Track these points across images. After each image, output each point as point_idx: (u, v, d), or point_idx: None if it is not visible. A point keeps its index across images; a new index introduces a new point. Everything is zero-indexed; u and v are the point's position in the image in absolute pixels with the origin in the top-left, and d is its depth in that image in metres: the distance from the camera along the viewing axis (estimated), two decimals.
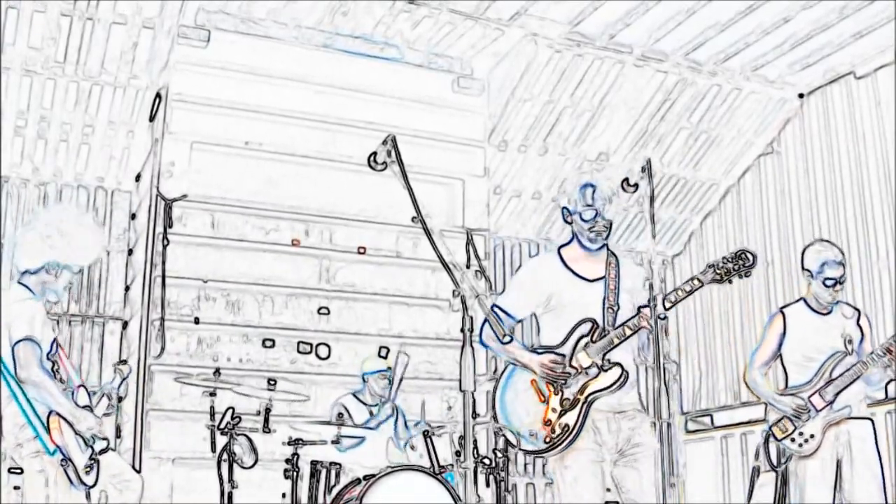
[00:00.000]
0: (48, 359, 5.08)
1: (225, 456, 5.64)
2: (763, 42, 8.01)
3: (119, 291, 8.19)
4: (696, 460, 9.31)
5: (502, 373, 4.56)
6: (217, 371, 5.93)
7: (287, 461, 5.77)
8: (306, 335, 7.52)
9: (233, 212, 7.43)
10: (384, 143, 4.01)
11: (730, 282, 4.37)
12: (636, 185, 4.37)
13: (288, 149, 7.61)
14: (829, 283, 5.42)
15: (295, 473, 5.75)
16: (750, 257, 4.36)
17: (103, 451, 5.15)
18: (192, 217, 7.32)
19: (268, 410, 5.77)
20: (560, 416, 4.38)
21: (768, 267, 8.99)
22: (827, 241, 5.97)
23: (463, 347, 3.84)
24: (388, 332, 7.72)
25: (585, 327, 4.44)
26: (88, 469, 5.02)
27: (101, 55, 7.42)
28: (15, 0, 6.91)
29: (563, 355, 4.42)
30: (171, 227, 7.23)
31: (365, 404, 6.95)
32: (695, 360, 9.65)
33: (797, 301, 5.63)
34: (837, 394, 5.31)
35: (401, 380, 6.59)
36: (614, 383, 4.39)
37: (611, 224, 4.55)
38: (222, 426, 5.66)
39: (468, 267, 7.90)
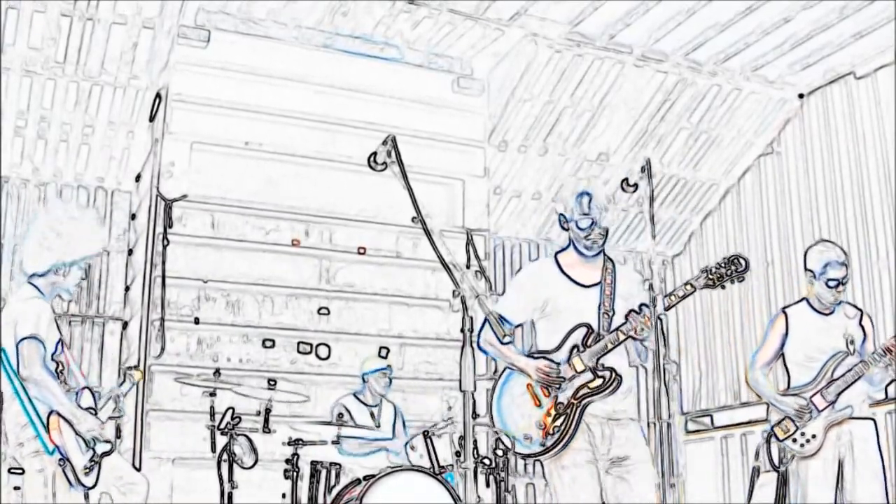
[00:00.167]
0: (53, 359, 5.09)
1: (225, 456, 5.64)
2: (763, 42, 8.01)
3: (119, 292, 8.19)
4: (696, 460, 9.31)
5: (498, 377, 4.63)
6: (217, 371, 5.93)
7: (287, 461, 5.77)
8: (306, 335, 7.51)
9: (233, 212, 7.43)
10: (384, 143, 4.01)
11: (722, 287, 4.43)
12: (636, 186, 4.43)
13: (288, 149, 7.60)
14: (831, 283, 5.42)
15: (295, 474, 5.75)
16: (742, 262, 4.41)
17: (107, 454, 5.15)
18: (192, 217, 7.32)
19: (268, 411, 5.77)
20: (554, 419, 4.45)
21: (768, 267, 8.99)
22: (830, 241, 5.97)
23: (463, 348, 3.84)
24: (388, 333, 7.72)
25: (580, 332, 4.50)
26: (88, 470, 5.01)
27: (101, 55, 7.42)
28: (15, 0, 6.91)
29: (557, 361, 4.49)
30: (171, 227, 7.23)
31: (366, 405, 6.95)
32: (695, 361, 9.65)
33: (799, 301, 5.63)
34: (839, 394, 5.31)
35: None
36: (608, 387, 4.45)
37: (607, 231, 4.61)
38: (222, 426, 5.66)
39: (468, 267, 7.90)
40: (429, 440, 5.95)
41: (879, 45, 7.87)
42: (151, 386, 7.01)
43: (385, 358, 7.39)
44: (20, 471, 5.02)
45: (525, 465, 8.59)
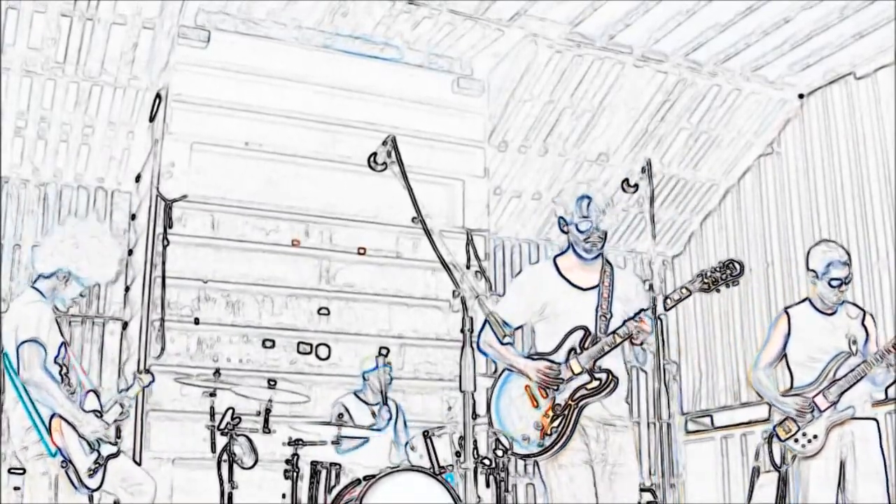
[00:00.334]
0: (56, 362, 5.09)
1: (225, 456, 5.64)
2: (763, 42, 8.01)
3: (119, 292, 8.19)
4: (696, 461, 9.31)
5: (497, 378, 4.69)
6: (217, 371, 5.93)
7: (287, 461, 5.77)
8: (306, 336, 7.51)
9: (233, 212, 7.43)
10: (384, 143, 4.02)
11: (717, 290, 4.49)
12: (636, 186, 4.50)
13: (288, 149, 7.60)
14: (834, 283, 5.42)
15: (295, 474, 5.75)
16: (737, 267, 4.48)
17: (113, 456, 5.15)
18: (192, 217, 7.32)
19: (268, 411, 5.77)
20: (552, 420, 4.51)
21: (768, 267, 8.99)
22: (832, 241, 5.97)
23: (463, 348, 3.85)
24: (388, 333, 7.72)
25: (578, 335, 4.57)
26: (92, 472, 5.02)
27: (101, 56, 7.42)
28: (15, 0, 6.91)
29: (557, 362, 4.55)
30: (171, 227, 7.23)
31: (367, 403, 6.95)
32: (695, 361, 9.65)
33: (802, 301, 5.63)
34: (841, 394, 5.31)
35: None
36: (604, 389, 4.51)
37: (606, 234, 4.68)
38: (222, 426, 5.66)
39: (468, 267, 7.90)
40: (429, 440, 5.95)
41: (879, 46, 7.87)
42: (151, 386, 7.01)
43: (385, 356, 7.39)
44: (20, 471, 5.02)
45: (525, 465, 8.59)
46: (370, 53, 7.91)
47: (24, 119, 7.68)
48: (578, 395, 4.52)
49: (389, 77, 7.97)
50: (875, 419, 5.43)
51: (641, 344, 4.50)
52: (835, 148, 8.52)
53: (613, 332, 4.49)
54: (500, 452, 5.53)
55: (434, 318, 7.86)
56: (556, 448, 4.49)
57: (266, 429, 5.74)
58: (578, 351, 4.55)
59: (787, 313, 5.60)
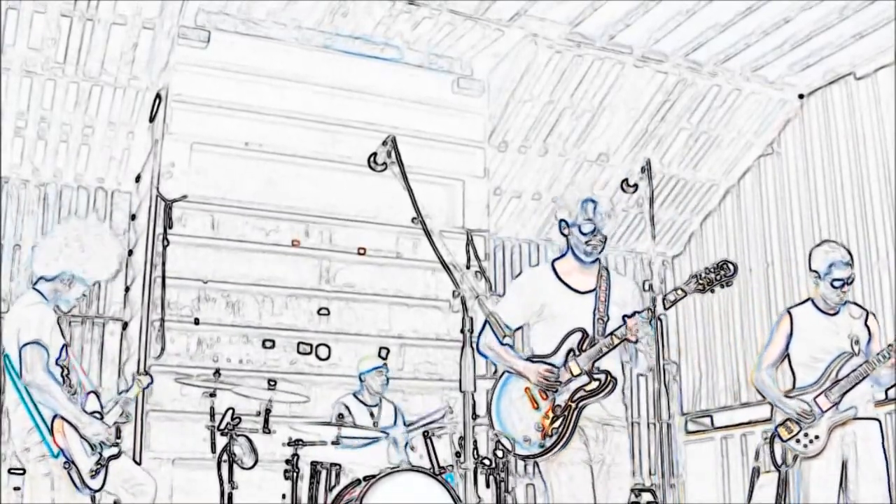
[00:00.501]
0: (58, 363, 5.09)
1: (225, 456, 5.64)
2: (763, 43, 8.01)
3: (119, 292, 8.19)
4: (696, 461, 9.31)
5: (497, 381, 4.76)
6: (217, 372, 5.93)
7: (287, 462, 5.77)
8: (306, 336, 7.51)
9: (233, 212, 7.43)
10: (384, 143, 4.02)
11: (712, 291, 4.57)
12: (636, 186, 4.55)
13: (288, 149, 7.60)
14: (836, 283, 5.42)
15: (295, 474, 5.75)
16: (731, 268, 4.54)
17: (114, 457, 5.15)
18: (192, 218, 7.32)
19: (268, 411, 5.77)
20: (552, 421, 4.58)
21: (768, 268, 8.99)
22: (834, 241, 5.97)
23: (463, 348, 3.85)
24: (388, 333, 7.72)
25: (576, 337, 4.64)
26: (94, 473, 5.02)
27: (101, 56, 7.42)
28: (15, 0, 6.91)
29: (556, 365, 4.62)
30: (171, 227, 7.23)
31: (365, 404, 6.95)
32: (695, 361, 9.65)
33: (805, 301, 5.62)
34: (843, 395, 5.31)
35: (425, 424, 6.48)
36: (603, 389, 4.59)
37: (605, 239, 4.74)
38: (222, 427, 5.66)
39: (468, 268, 7.90)
40: (429, 440, 5.95)
41: (879, 46, 7.87)
42: (151, 386, 7.00)
43: (384, 358, 7.39)
44: (21, 471, 5.02)
45: (525, 465, 8.60)
46: (370, 54, 7.91)
47: (24, 119, 7.68)
48: (578, 396, 4.59)
49: (389, 77, 7.97)
50: (878, 419, 5.42)
51: (636, 342, 4.55)
52: (835, 148, 8.52)
53: (611, 334, 4.57)
54: (500, 453, 5.56)
55: (434, 318, 7.86)
56: (556, 448, 4.56)
57: (266, 429, 5.74)
58: (577, 353, 4.62)
59: (790, 313, 5.59)
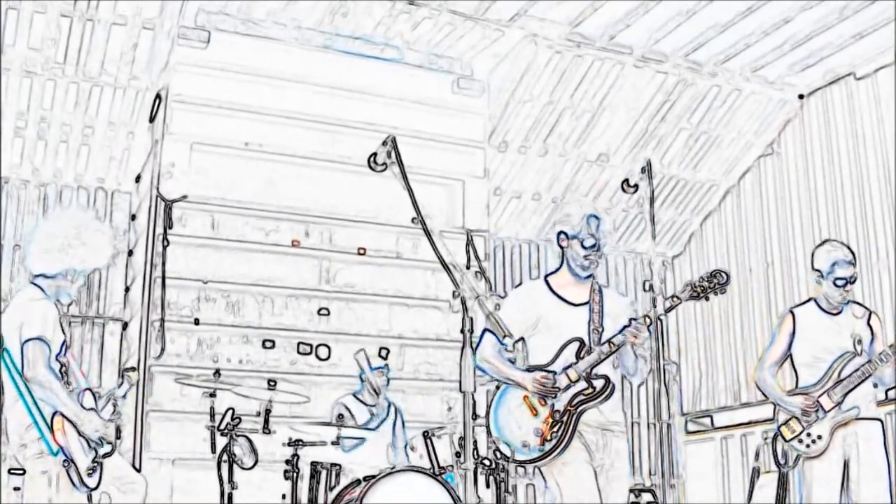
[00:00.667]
0: (57, 360, 5.09)
1: (225, 457, 5.64)
2: (763, 43, 8.01)
3: (119, 292, 8.19)
4: (696, 461, 9.31)
5: (494, 393, 4.82)
6: (217, 372, 5.93)
7: (287, 462, 5.77)
8: (306, 336, 7.51)
9: (233, 213, 7.42)
10: (384, 143, 4.03)
11: (706, 299, 4.70)
12: (636, 186, 4.62)
13: (288, 150, 7.60)
14: (839, 283, 5.42)
15: (295, 474, 5.75)
16: (724, 276, 4.68)
17: (107, 454, 5.16)
18: (192, 218, 7.32)
19: (268, 411, 5.77)
20: (551, 427, 4.64)
21: (768, 268, 8.99)
22: (837, 241, 5.97)
23: (463, 348, 3.85)
24: (388, 333, 7.72)
25: (574, 346, 4.72)
26: (91, 471, 5.02)
27: (101, 56, 7.42)
28: (15, 1, 6.91)
29: (554, 371, 4.69)
30: (171, 228, 7.23)
31: (365, 404, 6.95)
32: (695, 361, 9.65)
33: (807, 301, 5.63)
34: (846, 394, 5.31)
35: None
36: (602, 394, 4.67)
37: (602, 256, 4.86)
38: (222, 427, 5.66)
39: (468, 268, 7.90)
40: (429, 441, 5.95)
41: (879, 46, 7.87)
42: (151, 386, 7.01)
43: (385, 359, 7.39)
44: (20, 471, 5.02)
45: (525, 468, 8.59)
46: (370, 54, 7.90)
47: (24, 119, 7.68)
48: (577, 401, 4.66)
49: (389, 77, 7.97)
50: (880, 419, 5.42)
51: (633, 346, 4.64)
52: (835, 148, 8.52)
53: (608, 341, 4.66)
54: (498, 454, 5.59)
55: (434, 318, 7.86)
56: (556, 453, 4.62)
57: (266, 429, 5.74)
58: (575, 361, 4.69)
59: (793, 313, 5.59)
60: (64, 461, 4.95)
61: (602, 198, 9.20)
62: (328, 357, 7.52)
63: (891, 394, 6.81)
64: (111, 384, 7.78)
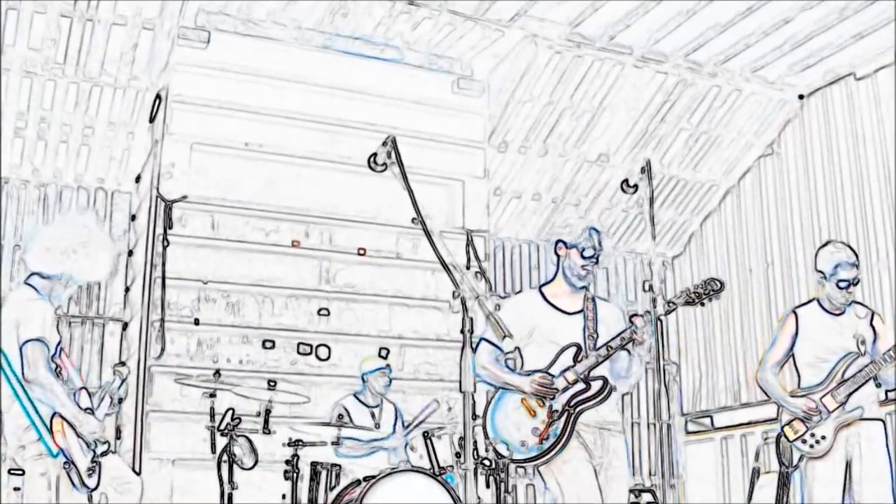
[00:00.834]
0: (53, 361, 5.08)
1: (225, 457, 5.64)
2: (763, 43, 8.01)
3: (119, 293, 8.19)
4: (695, 461, 9.31)
5: (491, 398, 4.90)
6: (217, 372, 5.93)
7: (287, 462, 5.77)
8: (306, 336, 7.51)
9: (233, 213, 7.42)
10: (384, 144, 4.03)
11: (702, 304, 4.83)
12: (636, 186, 4.68)
13: (288, 150, 7.60)
14: (842, 284, 5.42)
15: (295, 474, 5.75)
16: (718, 284, 4.81)
17: (105, 454, 5.15)
18: (192, 218, 7.32)
19: (268, 412, 5.77)
20: (549, 426, 4.72)
21: (768, 268, 8.99)
22: (841, 242, 5.97)
23: (463, 349, 3.85)
24: (388, 334, 7.72)
25: (571, 351, 4.82)
26: (91, 472, 5.02)
27: (101, 56, 7.42)
28: (15, 1, 6.91)
29: (552, 374, 4.78)
30: (171, 228, 7.23)
31: (366, 405, 6.95)
32: (695, 361, 9.65)
33: (810, 301, 5.62)
34: (849, 395, 5.31)
35: (418, 424, 6.57)
36: (599, 395, 4.76)
37: (597, 269, 5.01)
38: (222, 427, 5.66)
39: (468, 268, 7.90)
40: (429, 441, 5.95)
41: (879, 46, 7.87)
42: (151, 387, 7.01)
43: (385, 358, 7.39)
44: (20, 471, 5.01)
45: (525, 468, 8.59)
46: (370, 54, 7.91)
47: (24, 120, 7.68)
48: (575, 401, 4.74)
49: (389, 78, 7.97)
50: (882, 420, 5.42)
51: (634, 342, 4.72)
52: (835, 149, 8.52)
53: (605, 345, 4.77)
54: (497, 453, 5.61)
55: (434, 318, 7.86)
56: (555, 451, 4.68)
57: (266, 429, 5.74)
58: (572, 364, 4.78)
59: (796, 313, 5.59)
60: (64, 463, 4.95)
61: (602, 198, 9.20)
62: (328, 357, 7.52)
63: (891, 394, 6.81)
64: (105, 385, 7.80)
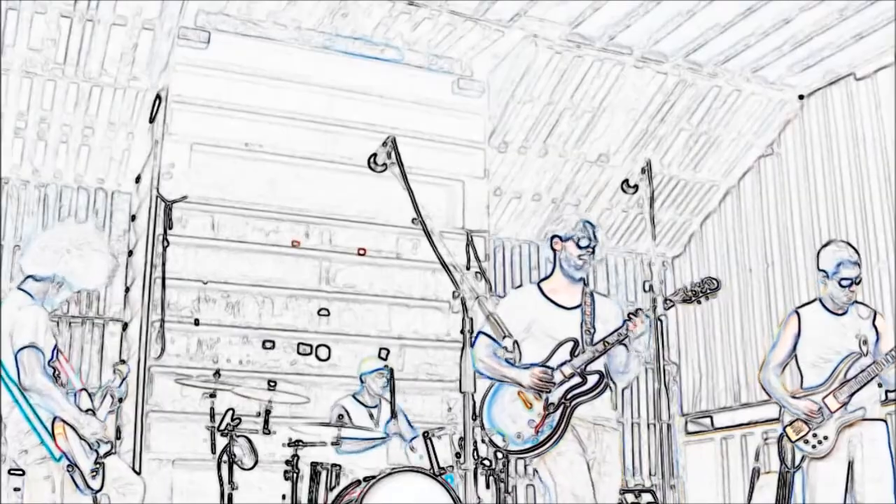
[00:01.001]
0: (49, 364, 5.07)
1: (225, 457, 5.64)
2: (763, 43, 8.01)
3: (119, 293, 8.19)
4: (695, 462, 9.31)
5: (488, 390, 4.91)
6: (217, 372, 5.94)
7: (287, 462, 5.77)
8: (306, 336, 7.52)
9: (233, 213, 7.43)
10: (384, 144, 4.03)
11: (698, 302, 4.84)
12: (636, 187, 4.72)
13: (288, 150, 7.61)
14: (844, 283, 5.41)
15: (295, 475, 5.75)
16: (715, 283, 4.82)
17: (107, 454, 5.15)
18: (192, 218, 7.32)
19: (268, 412, 5.77)
20: (545, 419, 4.75)
21: (768, 268, 8.99)
22: (843, 241, 5.96)
23: (463, 349, 3.85)
24: (388, 334, 7.72)
25: (568, 345, 4.84)
26: (94, 473, 5.02)
27: (101, 56, 7.42)
28: (15, 1, 6.92)
29: (550, 367, 4.80)
30: (171, 228, 7.23)
31: (364, 405, 6.95)
32: (695, 362, 9.65)
33: (812, 301, 5.62)
34: (852, 395, 5.30)
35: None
36: (595, 389, 4.79)
37: (594, 260, 5.01)
38: (222, 427, 5.67)
39: (468, 268, 7.90)
40: (429, 441, 5.95)
41: (879, 47, 7.87)
42: (151, 387, 7.01)
43: (385, 359, 7.39)
44: (20, 472, 5.01)
45: (525, 466, 8.59)
46: (370, 54, 7.91)
47: (24, 120, 7.68)
48: (571, 394, 4.77)
49: (389, 78, 7.97)
50: (884, 420, 5.41)
51: (631, 337, 4.73)
52: (835, 149, 8.52)
53: (602, 340, 4.79)
54: (493, 444, 5.63)
55: (434, 318, 7.86)
56: (550, 443, 4.71)
57: (266, 430, 5.74)
58: (569, 359, 4.80)
59: (798, 313, 5.58)
60: (68, 466, 4.95)
61: (602, 198, 9.20)
62: (328, 358, 7.52)
63: (892, 395, 6.81)
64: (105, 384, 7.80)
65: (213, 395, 5.77)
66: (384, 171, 4.05)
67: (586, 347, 4.79)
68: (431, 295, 7.84)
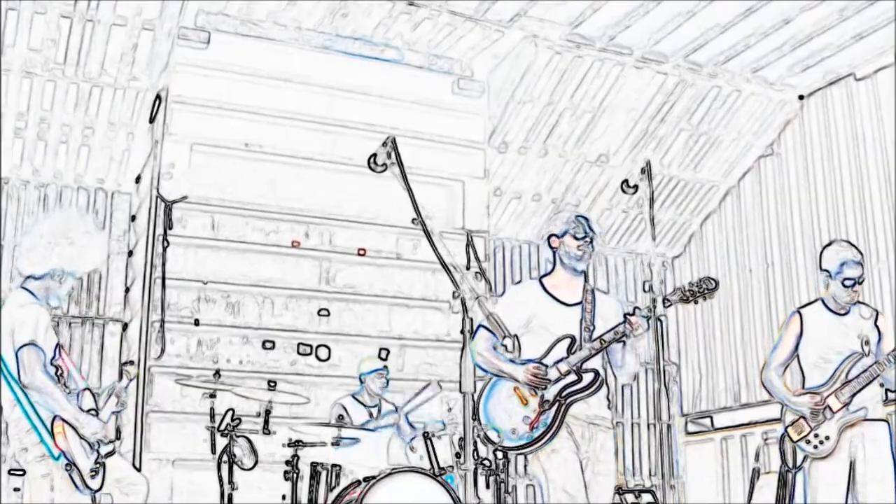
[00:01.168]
0: (52, 363, 5.08)
1: (225, 457, 5.64)
2: (763, 44, 8.01)
3: (119, 293, 8.19)
4: (695, 462, 9.31)
5: (485, 385, 4.93)
6: (217, 373, 5.94)
7: (287, 463, 5.77)
8: (306, 337, 7.52)
9: (233, 213, 7.43)
10: (384, 144, 4.04)
11: (696, 302, 4.87)
12: (636, 187, 4.73)
13: (288, 150, 7.61)
14: (848, 283, 5.41)
15: (295, 475, 5.75)
16: (713, 283, 4.85)
17: (109, 455, 5.15)
18: (192, 219, 7.32)
19: (268, 412, 5.77)
20: (540, 415, 4.77)
21: (768, 269, 8.99)
22: (846, 241, 5.96)
23: (463, 349, 3.85)
24: (388, 334, 7.72)
25: (566, 342, 4.86)
26: (94, 473, 5.02)
27: (101, 57, 7.42)
28: (15, 1, 6.92)
29: (546, 364, 4.82)
30: (171, 228, 7.23)
31: (363, 405, 6.95)
32: (695, 362, 9.65)
33: (814, 301, 5.61)
34: (854, 395, 5.30)
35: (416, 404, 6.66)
36: (590, 386, 4.81)
37: (593, 250, 5.03)
38: (222, 428, 5.67)
39: (468, 268, 7.90)
40: (429, 441, 5.95)
41: (879, 47, 7.87)
42: (152, 387, 7.01)
43: (385, 359, 7.40)
44: (20, 472, 5.01)
45: (525, 466, 8.59)
46: (370, 55, 7.91)
47: (24, 120, 7.68)
48: (566, 392, 4.79)
49: (389, 78, 7.97)
50: (886, 420, 5.41)
51: (630, 336, 4.76)
52: (835, 149, 8.52)
53: (599, 338, 4.81)
54: (488, 439, 5.64)
55: (434, 319, 7.86)
56: (545, 439, 4.74)
57: (266, 430, 5.74)
58: (566, 356, 4.83)
59: (800, 313, 5.57)
60: (66, 465, 4.95)
61: (602, 198, 9.20)
62: (328, 358, 7.52)
63: (893, 395, 6.80)
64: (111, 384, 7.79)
65: (213, 396, 5.77)
66: (384, 171, 4.06)
67: (584, 344, 4.82)
68: (431, 295, 7.84)
